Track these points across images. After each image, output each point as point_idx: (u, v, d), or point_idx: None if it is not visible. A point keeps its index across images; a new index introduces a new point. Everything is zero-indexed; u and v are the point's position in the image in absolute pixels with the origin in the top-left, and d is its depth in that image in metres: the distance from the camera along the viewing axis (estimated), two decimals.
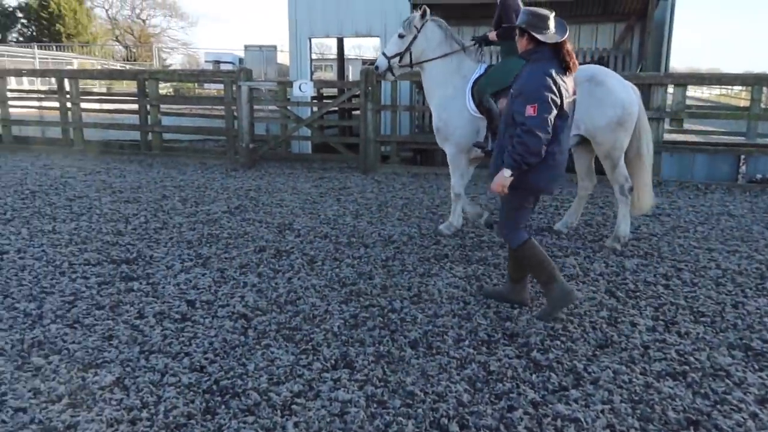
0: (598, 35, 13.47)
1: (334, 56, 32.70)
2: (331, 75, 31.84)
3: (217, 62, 35.84)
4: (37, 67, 24.33)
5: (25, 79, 23.12)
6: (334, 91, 16.75)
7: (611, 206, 7.03)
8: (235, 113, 10.19)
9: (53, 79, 19.02)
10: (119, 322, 3.71)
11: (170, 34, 55.01)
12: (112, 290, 4.24)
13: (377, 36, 12.22)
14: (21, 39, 44.53)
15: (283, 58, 36.49)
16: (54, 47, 35.37)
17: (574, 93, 3.62)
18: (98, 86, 25.23)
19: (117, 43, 50.57)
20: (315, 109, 11.25)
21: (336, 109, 12.34)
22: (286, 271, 4.69)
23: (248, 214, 6.52)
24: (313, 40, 12.46)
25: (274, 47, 35.36)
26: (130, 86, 28.09)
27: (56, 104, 12.07)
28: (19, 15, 46.33)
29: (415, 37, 5.50)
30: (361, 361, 3.25)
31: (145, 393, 2.90)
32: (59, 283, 4.36)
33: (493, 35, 5.49)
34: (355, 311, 3.91)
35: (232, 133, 10.32)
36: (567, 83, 3.51)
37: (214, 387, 2.97)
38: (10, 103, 12.42)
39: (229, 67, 33.74)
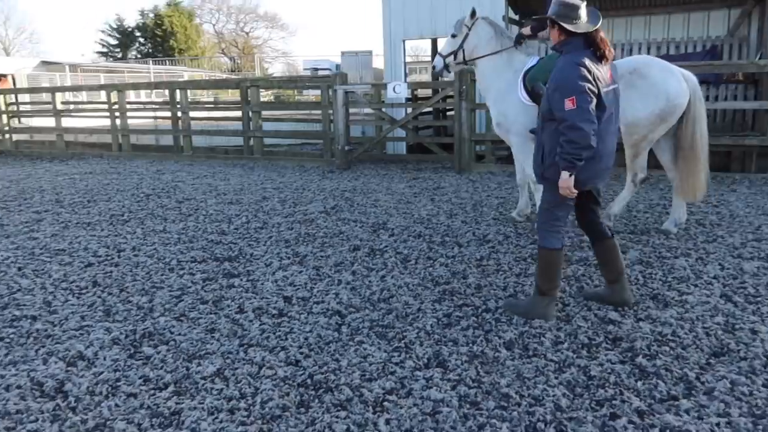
0: (709, 22, 12.51)
1: (429, 58, 32.76)
2: (426, 76, 31.83)
3: (315, 69, 36.94)
4: (152, 81, 26.17)
5: (142, 91, 24.98)
6: (428, 92, 16.72)
7: (726, 204, 6.49)
8: (332, 117, 10.43)
9: (166, 91, 20.44)
10: (221, 316, 3.87)
11: (271, 44, 57.50)
12: (215, 286, 4.44)
13: None
14: (139, 56, 48.21)
15: (378, 62, 37.02)
16: (167, 62, 37.95)
17: (614, 82, 3.47)
18: (206, 96, 26.78)
19: (223, 56, 53.46)
20: (409, 110, 11.28)
21: (431, 109, 12.30)
22: (380, 269, 4.71)
23: (343, 214, 6.62)
24: (406, 43, 12.48)
25: (370, 52, 35.92)
26: (235, 95, 29.61)
27: (169, 114, 12.92)
28: (137, 34, 50.22)
29: (466, 36, 5.73)
30: (454, 360, 3.18)
31: (243, 384, 2.99)
32: (168, 279, 4.63)
33: (527, 30, 5.66)
34: (448, 310, 3.85)
35: (329, 136, 10.56)
36: (603, 72, 3.36)
37: (309, 381, 3.02)
38: (129, 114, 13.44)
39: (326, 73, 34.74)
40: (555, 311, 3.69)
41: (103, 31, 50.51)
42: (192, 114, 12.53)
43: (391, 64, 12.24)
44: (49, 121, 14.90)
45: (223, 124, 14.69)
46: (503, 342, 3.39)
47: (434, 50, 14.62)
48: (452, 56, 5.87)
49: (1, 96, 15.04)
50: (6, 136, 14.88)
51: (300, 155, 11.62)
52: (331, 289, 4.31)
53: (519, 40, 5.70)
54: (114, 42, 49.97)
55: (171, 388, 2.97)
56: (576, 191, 3.39)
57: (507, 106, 5.60)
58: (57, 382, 3.03)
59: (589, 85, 3.24)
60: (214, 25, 55.96)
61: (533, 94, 5.32)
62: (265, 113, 12.16)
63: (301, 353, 3.31)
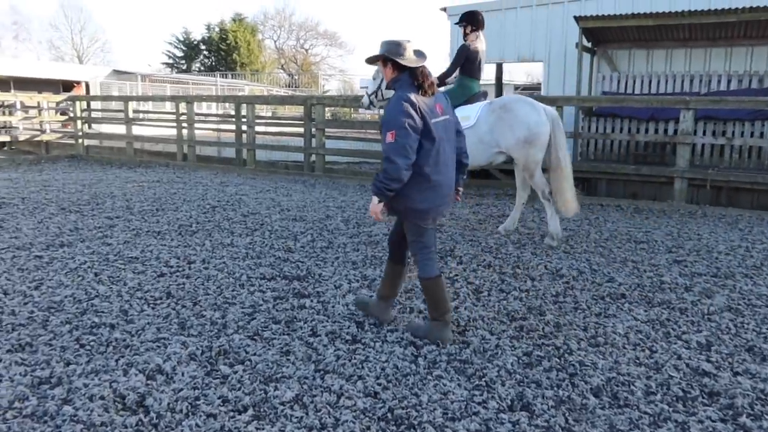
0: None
1: (487, 82, 32.63)
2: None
3: None
4: (217, 94, 26.93)
5: (204, 103, 25.71)
6: None
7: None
8: None
9: (228, 104, 20.91)
10: (294, 338, 3.83)
11: (329, 62, 58.52)
12: (286, 305, 4.41)
13: (540, 61, 11.93)
14: (203, 68, 49.80)
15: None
16: (229, 75, 39.04)
17: (444, 114, 3.66)
18: (265, 110, 27.35)
19: (282, 71, 54.70)
20: None
21: None
22: (452, 299, 4.59)
23: None
24: None
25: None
26: (292, 110, 30.14)
27: (232, 127, 13.20)
28: (202, 47, 51.90)
29: (382, 79, 6.56)
30: (540, 404, 3.03)
31: (323, 414, 2.92)
32: (239, 295, 4.63)
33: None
34: (528, 348, 3.70)
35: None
36: (430, 105, 3.55)
37: (389, 415, 2.92)
38: (196, 126, 13.80)
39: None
40: (452, 333, 3.82)
41: (170, 43, 52.45)
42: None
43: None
44: (120, 128, 15.48)
45: (283, 139, 14.92)
46: (590, 388, 3.22)
47: (498, 74, 14.53)
48: (374, 94, 7.04)
49: (77, 102, 15.73)
50: (79, 140, 15.51)
51: (360, 174, 11.64)
52: (403, 316, 4.22)
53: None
54: (180, 54, 51.79)
55: (250, 412, 2.93)
56: (385, 214, 3.65)
57: None
58: (138, 396, 3.03)
59: (410, 121, 3.41)
60: (275, 41, 57.44)
61: None
62: (326, 131, 12.27)
63: (379, 384, 3.22)
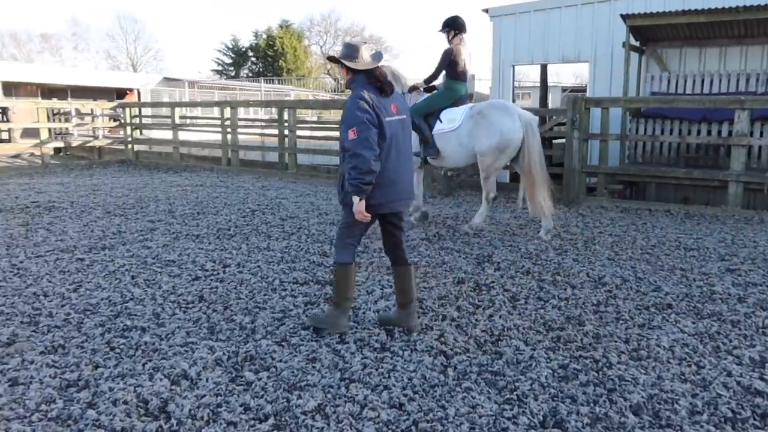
0: None
1: (532, 83, 31.96)
2: (528, 102, 31.12)
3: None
4: (262, 99, 27.34)
5: (251, 108, 26.14)
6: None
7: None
8: None
9: (273, 109, 21.19)
10: (322, 344, 3.76)
11: None
12: (316, 311, 4.35)
13: (586, 61, 11.58)
14: (250, 74, 50.76)
15: (479, 86, 36.74)
16: (276, 81, 39.62)
17: (400, 113, 3.78)
18: (310, 115, 27.61)
19: (328, 76, 55.17)
20: None
21: None
22: (487, 306, 4.44)
23: (446, 243, 6.40)
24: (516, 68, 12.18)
25: (472, 76, 35.70)
26: (337, 115, 30.33)
27: (275, 131, 13.32)
28: (250, 54, 52.92)
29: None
30: (574, 422, 2.86)
31: (344, 425, 2.83)
32: (271, 300, 4.60)
33: (421, 84, 6.97)
34: (564, 361, 3.52)
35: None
36: (385, 104, 3.67)
37: (413, 428, 2.81)
38: (239, 130, 14.00)
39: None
40: (347, 323, 3.92)
41: (219, 51, 53.62)
42: (297, 132, 12.85)
43: (499, 90, 11.97)
44: (167, 134, 15.86)
45: (326, 143, 14.96)
46: (630, 405, 3.02)
47: (543, 76, 14.20)
48: None
49: (128, 108, 16.20)
50: (128, 146, 15.97)
51: None
52: (434, 324, 4.09)
53: (411, 90, 6.90)
54: (228, 61, 52.91)
55: (271, 421, 2.86)
56: (369, 215, 3.65)
57: None
58: (161, 401, 3.01)
59: (368, 116, 3.54)
60: (321, 47, 57.98)
61: (412, 124, 6.53)
62: None
63: (405, 395, 3.11)
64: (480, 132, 6.42)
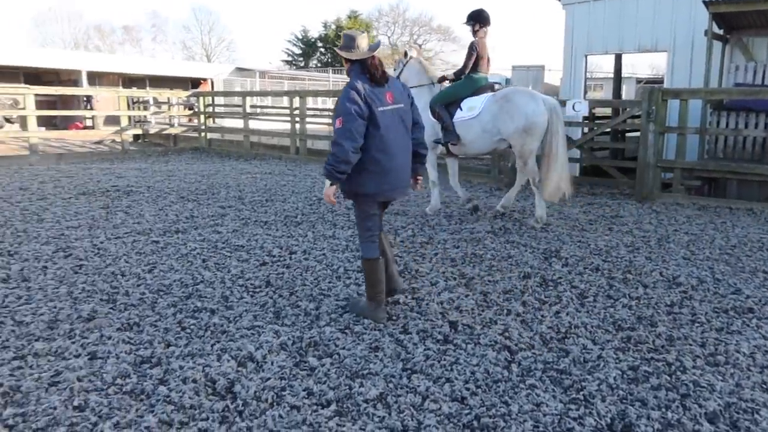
0: None
1: (604, 74, 30.81)
2: (600, 94, 30.09)
3: None
4: (330, 89, 27.64)
5: (319, 98, 26.49)
6: (603, 110, 15.69)
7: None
8: None
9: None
10: (385, 333, 3.77)
11: (442, 57, 58.21)
12: (356, 297, 4.35)
13: (664, 51, 11.03)
14: (319, 64, 51.42)
15: (550, 77, 35.82)
16: (343, 71, 39.93)
17: (396, 102, 3.81)
18: None
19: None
20: (585, 129, 10.58)
21: (608, 129, 11.47)
22: (553, 303, 4.32)
23: (512, 237, 6.28)
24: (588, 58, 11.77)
25: (542, 67, 34.87)
26: None
27: None
28: (319, 44, 53.59)
29: (401, 71, 7.32)
30: (644, 426, 2.74)
31: (405, 415, 2.82)
32: (335, 287, 4.65)
33: (450, 75, 7.32)
34: (634, 362, 3.38)
35: (497, 152, 10.23)
36: (379, 94, 3.73)
37: (475, 423, 2.77)
38: (308, 120, 14.21)
39: (497, 87, 34.29)
40: (385, 315, 3.97)
41: (289, 41, 54.63)
42: None
43: (570, 81, 11.60)
44: (238, 123, 16.30)
45: None
46: (705, 413, 2.87)
47: (617, 66, 13.66)
48: None
49: (201, 98, 16.76)
50: (202, 134, 16.52)
51: (466, 170, 11.38)
52: (499, 319, 4.02)
53: (440, 81, 7.28)
54: (298, 51, 53.80)
55: (333, 407, 2.89)
56: (335, 200, 3.88)
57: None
58: (228, 382, 3.10)
59: (356, 107, 3.61)
60: (389, 37, 58.03)
61: (433, 113, 7.01)
62: None
63: (468, 389, 3.07)
64: (505, 116, 6.58)
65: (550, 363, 3.37)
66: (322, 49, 53.56)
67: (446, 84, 7.26)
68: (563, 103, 9.53)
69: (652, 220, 7.22)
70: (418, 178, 4.09)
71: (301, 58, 53.57)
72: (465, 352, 3.50)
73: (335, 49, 4.02)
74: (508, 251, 5.70)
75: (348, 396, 3.00)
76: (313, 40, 53.66)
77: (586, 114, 9.66)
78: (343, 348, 3.55)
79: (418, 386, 3.09)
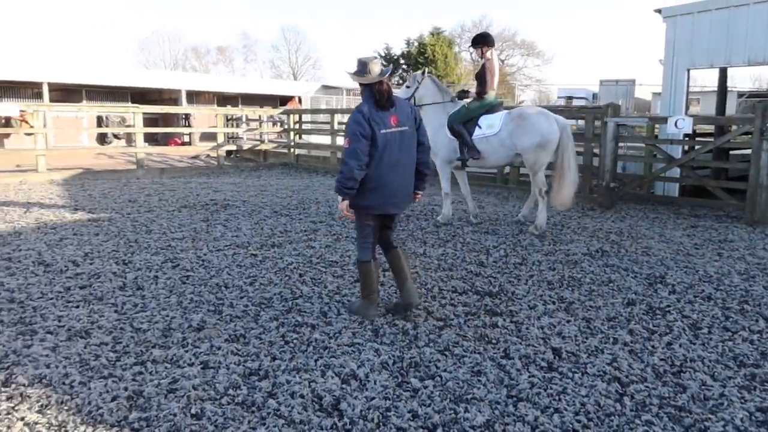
0: None
1: (699, 88, 29.16)
2: (696, 110, 28.49)
3: (570, 98, 35.76)
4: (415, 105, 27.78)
5: None
6: (705, 127, 14.85)
7: None
8: (595, 150, 9.78)
9: None
10: (486, 357, 3.70)
11: (526, 72, 57.47)
12: (477, 322, 4.29)
13: None
14: (401, 81, 51.91)
15: (641, 92, 34.40)
16: None
17: (401, 125, 4.12)
18: None
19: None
20: (686, 147, 10.05)
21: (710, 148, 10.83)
22: (664, 333, 4.09)
23: (611, 260, 6.03)
24: (691, 72, 11.19)
25: (632, 81, 33.58)
26: None
27: None
28: (401, 62, 54.19)
29: (417, 88, 7.81)
30: None
31: None
32: (431, 306, 4.62)
33: (472, 93, 7.72)
34: (762, 403, 3.13)
35: (590, 171, 9.92)
36: (383, 117, 4.06)
37: None
38: None
39: (582, 102, 33.30)
40: (376, 312, 4.36)
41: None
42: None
43: (671, 96, 11.05)
44: (325, 139, 16.69)
45: None
46: None
47: (722, 80, 12.92)
48: (408, 100, 7.26)
49: (291, 115, 17.32)
50: (290, 150, 17.05)
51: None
52: (605, 347, 3.85)
53: (460, 97, 7.80)
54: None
55: (440, 431, 2.86)
56: (350, 213, 4.19)
57: (437, 139, 7.53)
58: (334, 399, 3.13)
59: (360, 129, 3.96)
60: (471, 54, 57.87)
61: (452, 131, 7.56)
62: None
63: (578, 421, 2.95)
64: (521, 132, 7.16)
65: (666, 398, 3.18)
66: (405, 66, 54.11)
67: (467, 99, 7.75)
68: (664, 120, 9.12)
69: (766, 245, 6.72)
70: (418, 194, 4.48)
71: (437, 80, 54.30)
72: (572, 382, 3.38)
73: (348, 73, 4.26)
74: (608, 275, 5.48)
75: (454, 421, 2.95)
76: (395, 57, 54.33)
77: (689, 131, 9.18)
78: (445, 370, 3.51)
79: (526, 415, 3.00)
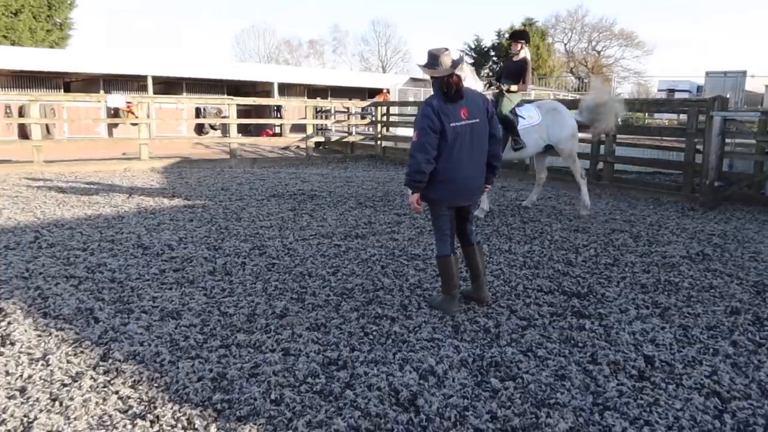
0: None
1: None
2: None
3: (671, 90, 33.78)
4: None
5: None
6: None
7: None
8: (698, 146, 9.14)
9: None
10: (571, 361, 3.53)
11: (623, 63, 54.82)
12: (563, 324, 4.12)
13: None
14: (490, 74, 51.00)
15: (752, 84, 31.88)
16: None
17: (471, 118, 4.05)
18: None
19: (570, 74, 53.03)
20: None
21: None
22: None
23: (713, 264, 5.61)
24: None
25: (743, 72, 31.22)
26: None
27: None
28: (492, 54, 53.22)
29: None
30: None
31: None
32: (514, 305, 4.48)
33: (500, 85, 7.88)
34: None
35: (692, 168, 9.28)
36: (453, 110, 4.00)
37: None
38: None
39: (684, 95, 31.35)
40: (457, 308, 4.30)
41: (461, 51, 54.90)
42: None
43: None
44: (412, 132, 16.66)
45: None
46: None
47: None
48: None
49: (378, 107, 17.42)
50: (378, 142, 17.16)
51: (654, 186, 10.48)
52: (704, 358, 3.57)
53: (494, 85, 7.91)
54: (470, 61, 53.84)
55: None
56: (420, 206, 4.22)
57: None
58: (411, 394, 3.09)
59: (430, 123, 3.94)
60: (565, 44, 55.99)
61: (503, 120, 7.41)
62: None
63: None
64: (557, 125, 7.77)
65: None
66: (495, 58, 53.08)
67: (494, 90, 7.93)
68: None
69: None
70: (487, 187, 4.40)
71: (473, 68, 53.56)
72: (665, 393, 3.15)
73: (419, 65, 4.21)
74: (709, 281, 5.09)
75: (534, 425, 2.83)
76: (486, 49, 53.42)
77: None
78: (527, 372, 3.38)
79: (613, 425, 2.83)
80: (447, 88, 4.02)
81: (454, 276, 4.27)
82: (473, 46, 53.89)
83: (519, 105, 7.84)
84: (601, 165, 10.84)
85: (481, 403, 3.03)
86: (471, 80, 7.59)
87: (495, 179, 4.48)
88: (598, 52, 55.30)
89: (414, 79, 31.79)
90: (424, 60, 4.17)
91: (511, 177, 12.21)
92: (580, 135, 11.94)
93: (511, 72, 7.86)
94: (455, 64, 4.06)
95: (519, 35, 8.03)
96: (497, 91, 7.86)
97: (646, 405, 3.03)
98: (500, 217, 7.88)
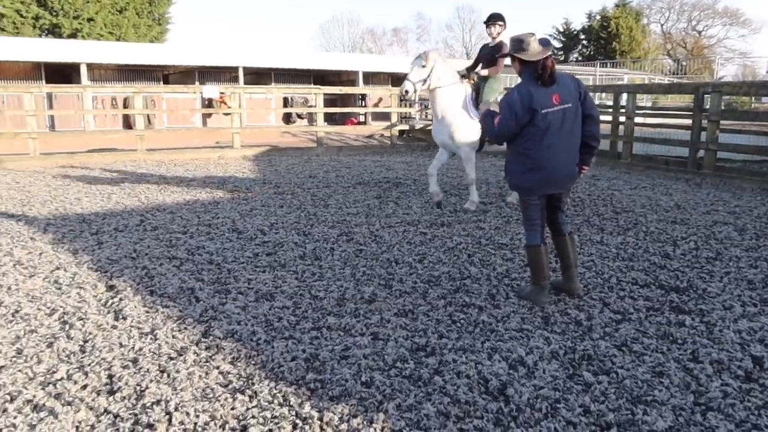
0: None
1: None
2: None
3: None
4: (598, 83, 26.21)
5: None
6: None
7: None
8: None
9: (603, 94, 20.11)
10: (669, 358, 3.37)
11: (727, 43, 51.29)
12: (660, 319, 3.94)
13: None
14: (580, 58, 49.19)
15: None
16: (608, 64, 37.53)
17: (563, 103, 3.90)
18: (644, 101, 25.47)
19: (667, 57, 50.22)
20: None
21: None
22: None
23: None
24: None
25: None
26: (675, 100, 27.31)
27: (608, 118, 12.57)
28: (582, 37, 51.21)
29: (433, 68, 7.02)
30: None
31: None
32: (608, 297, 4.33)
33: (483, 72, 7.57)
34: None
35: None
36: (544, 95, 3.88)
37: None
38: None
39: None
40: (547, 299, 4.20)
41: (549, 35, 53.19)
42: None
43: None
44: None
45: (663, 131, 13.57)
46: None
47: None
48: (422, 82, 7.00)
49: None
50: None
51: (761, 176, 9.75)
52: None
53: (473, 76, 7.58)
54: (558, 45, 52.13)
55: (614, 431, 2.67)
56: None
57: (463, 124, 7.31)
58: (500, 383, 3.07)
59: (516, 110, 3.88)
60: (662, 25, 53.03)
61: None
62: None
63: None
64: None
65: None
66: (584, 42, 51.07)
67: (475, 81, 7.53)
68: None
69: None
70: (584, 169, 4.22)
71: (560, 52, 51.85)
72: None
73: (510, 53, 4.02)
74: None
75: (630, 422, 2.74)
76: (575, 32, 51.49)
77: None
78: (621, 367, 3.27)
79: (717, 427, 2.69)
80: (542, 71, 3.89)
81: (544, 267, 4.18)
82: (562, 29, 52.10)
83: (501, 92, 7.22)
84: (701, 153, 10.22)
85: (573, 396, 2.96)
86: (452, 72, 7.33)
87: (592, 161, 4.31)
88: (699, 32, 51.95)
89: None
90: (508, 47, 4.08)
91: (602, 165, 11.74)
92: (680, 122, 11.39)
93: (489, 59, 7.48)
94: (545, 44, 3.95)
95: (496, 17, 7.62)
96: (473, 81, 7.54)
97: (754, 408, 2.85)
98: (591, 206, 7.61)
